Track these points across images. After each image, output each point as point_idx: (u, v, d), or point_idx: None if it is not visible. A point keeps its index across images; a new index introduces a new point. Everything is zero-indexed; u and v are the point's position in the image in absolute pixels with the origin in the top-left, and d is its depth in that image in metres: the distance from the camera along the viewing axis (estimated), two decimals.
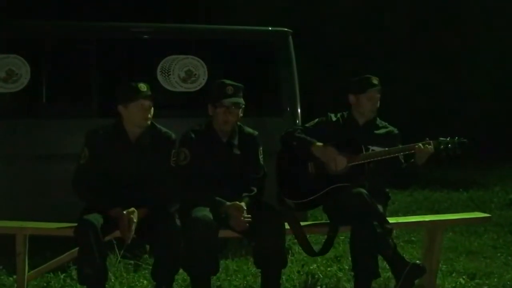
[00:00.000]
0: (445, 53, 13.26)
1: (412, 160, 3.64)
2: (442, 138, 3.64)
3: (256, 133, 3.68)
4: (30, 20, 5.66)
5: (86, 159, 3.40)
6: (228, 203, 3.36)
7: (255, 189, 3.51)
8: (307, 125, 3.90)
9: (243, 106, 3.54)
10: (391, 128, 3.87)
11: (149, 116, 3.42)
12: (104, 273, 3.24)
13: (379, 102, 3.81)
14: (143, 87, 3.40)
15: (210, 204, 3.37)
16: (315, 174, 3.71)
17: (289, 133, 3.81)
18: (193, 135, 3.55)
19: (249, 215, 3.33)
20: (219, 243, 3.39)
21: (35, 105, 4.80)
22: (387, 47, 13.24)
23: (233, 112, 3.51)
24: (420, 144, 3.59)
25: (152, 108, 3.44)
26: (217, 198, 3.39)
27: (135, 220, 3.25)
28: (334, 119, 3.88)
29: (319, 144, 3.65)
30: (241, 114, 3.58)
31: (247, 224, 3.32)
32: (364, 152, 3.63)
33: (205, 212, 3.30)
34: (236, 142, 3.59)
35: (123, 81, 3.51)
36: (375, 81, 3.78)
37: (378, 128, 3.84)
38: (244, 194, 3.44)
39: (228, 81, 3.54)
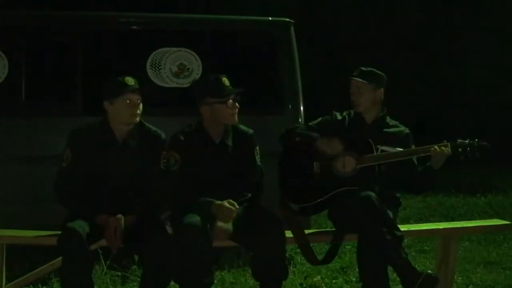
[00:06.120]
0: (460, 48, 13.28)
1: (428, 164, 3.63)
2: (460, 140, 3.63)
3: (251, 131, 3.67)
4: (9, 10, 5.65)
5: (68, 161, 3.39)
6: (218, 201, 3.35)
7: (252, 193, 3.52)
8: (310, 124, 3.91)
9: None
10: (402, 127, 3.87)
11: (138, 112, 3.41)
12: (89, 286, 3.23)
13: (360, 94, 3.77)
14: (130, 80, 3.40)
15: (200, 206, 3.35)
16: (321, 176, 3.71)
17: (291, 129, 3.82)
18: (182, 138, 3.52)
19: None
20: (214, 253, 3.38)
21: (13, 103, 4.78)
22: (398, 40, 13.26)
23: (236, 104, 3.52)
24: (436, 147, 3.59)
25: (141, 105, 3.43)
26: (207, 198, 3.37)
27: (122, 228, 3.25)
28: (339, 117, 3.88)
29: (324, 137, 3.66)
30: None
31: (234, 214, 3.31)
32: (374, 153, 3.63)
33: (198, 218, 3.29)
34: (230, 142, 3.58)
35: (110, 76, 3.50)
36: (356, 71, 3.80)
37: (388, 126, 3.85)
38: (240, 199, 3.44)
39: (219, 75, 3.53)
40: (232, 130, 3.61)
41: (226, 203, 3.32)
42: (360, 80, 3.77)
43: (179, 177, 3.46)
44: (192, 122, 3.62)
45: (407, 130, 3.85)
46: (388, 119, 3.87)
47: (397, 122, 3.89)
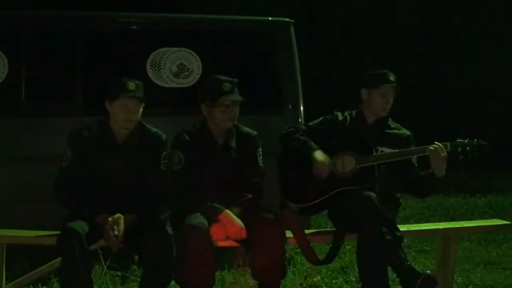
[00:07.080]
0: (460, 47, 13.28)
1: (430, 170, 3.62)
2: (460, 140, 3.60)
3: (254, 133, 3.68)
4: (8, 10, 5.64)
5: (69, 161, 3.39)
6: (226, 210, 3.37)
7: (253, 194, 3.52)
8: (311, 123, 3.91)
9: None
10: (403, 130, 3.86)
11: (132, 118, 3.39)
12: (89, 286, 3.22)
13: (391, 100, 3.80)
14: (131, 85, 3.35)
15: (207, 210, 3.37)
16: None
17: (290, 133, 3.82)
18: (186, 137, 3.54)
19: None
20: (215, 253, 3.38)
21: (13, 103, 4.77)
22: (398, 39, 13.26)
23: (233, 110, 3.51)
24: (431, 147, 3.57)
25: (141, 110, 3.42)
26: (215, 204, 3.39)
27: (122, 228, 3.25)
28: (340, 118, 3.88)
29: (318, 155, 3.65)
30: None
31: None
32: (374, 153, 3.63)
33: (200, 219, 3.30)
34: (233, 144, 3.59)
35: (111, 76, 3.49)
36: (391, 77, 3.77)
37: (390, 128, 3.84)
38: (241, 199, 3.45)
39: (223, 77, 3.52)
40: (236, 131, 3.62)
41: (237, 224, 3.34)
42: (395, 86, 3.77)
43: (182, 176, 3.46)
44: (196, 122, 3.62)
45: (408, 133, 3.84)
46: (390, 121, 3.87)
47: (399, 125, 3.89)
